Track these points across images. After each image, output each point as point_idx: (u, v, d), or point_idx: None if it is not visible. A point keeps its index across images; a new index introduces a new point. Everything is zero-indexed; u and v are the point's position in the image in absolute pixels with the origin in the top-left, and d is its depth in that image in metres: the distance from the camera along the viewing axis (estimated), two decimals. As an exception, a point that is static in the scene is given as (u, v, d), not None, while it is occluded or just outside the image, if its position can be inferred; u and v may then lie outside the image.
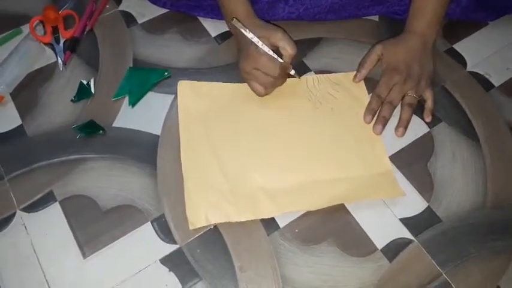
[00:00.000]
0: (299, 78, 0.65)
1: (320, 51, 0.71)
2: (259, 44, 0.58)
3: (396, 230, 0.56)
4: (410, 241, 0.55)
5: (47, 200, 0.58)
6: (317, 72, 0.68)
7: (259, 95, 0.62)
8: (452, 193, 0.58)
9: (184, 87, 0.66)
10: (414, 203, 0.57)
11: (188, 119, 0.63)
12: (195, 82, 0.66)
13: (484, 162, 0.61)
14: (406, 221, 0.56)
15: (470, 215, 0.57)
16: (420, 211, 0.57)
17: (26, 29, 0.73)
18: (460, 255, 0.54)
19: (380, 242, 0.55)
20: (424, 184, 0.59)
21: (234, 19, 0.59)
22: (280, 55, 0.59)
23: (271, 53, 0.58)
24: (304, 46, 0.71)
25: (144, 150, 0.61)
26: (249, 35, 0.58)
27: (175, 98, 0.66)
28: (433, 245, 0.55)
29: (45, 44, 0.71)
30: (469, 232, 0.56)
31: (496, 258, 0.54)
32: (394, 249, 0.54)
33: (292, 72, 0.63)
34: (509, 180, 0.59)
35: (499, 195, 0.58)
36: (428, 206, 0.57)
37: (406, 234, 0.55)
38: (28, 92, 0.67)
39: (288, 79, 0.66)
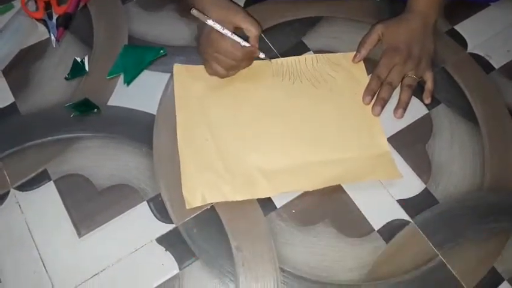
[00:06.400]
0: (270, 61, 0.63)
1: (319, 30, 0.70)
2: (222, 30, 0.57)
3: (393, 211, 0.55)
4: (407, 222, 0.55)
5: (41, 178, 0.57)
6: (316, 52, 0.67)
7: (221, 77, 0.61)
8: (449, 175, 0.58)
9: (180, 70, 0.65)
10: (412, 185, 0.57)
11: (184, 100, 0.62)
12: (190, 66, 0.65)
13: (483, 145, 0.60)
14: (403, 202, 0.56)
15: (467, 196, 0.57)
16: (417, 192, 0.57)
17: (17, 4, 0.71)
18: (456, 237, 0.54)
19: (377, 223, 0.55)
20: (422, 166, 0.58)
21: (193, 9, 0.57)
22: (244, 36, 0.58)
23: (234, 37, 0.57)
24: (304, 25, 0.70)
25: (140, 129, 0.61)
26: (211, 22, 0.57)
27: (172, 76, 0.64)
28: (430, 227, 0.55)
29: (38, 20, 0.70)
30: (466, 214, 0.56)
31: (492, 240, 0.54)
32: (390, 230, 0.54)
33: (262, 55, 0.61)
34: (507, 162, 0.59)
35: (497, 177, 0.58)
36: (426, 188, 0.57)
37: (403, 215, 0.55)
38: (20, 69, 0.66)
39: (287, 59, 0.66)
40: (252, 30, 0.57)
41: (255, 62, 0.63)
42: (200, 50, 0.60)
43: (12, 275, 0.52)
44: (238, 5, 0.60)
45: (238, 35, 0.58)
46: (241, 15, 0.57)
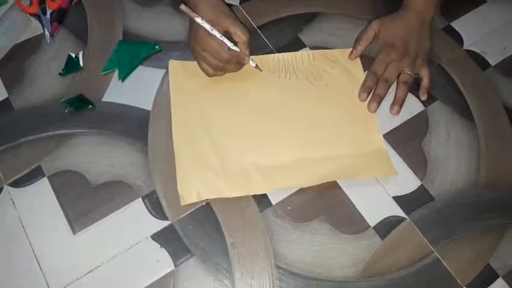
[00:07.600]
0: (261, 70, 0.63)
1: (316, 26, 0.69)
2: (210, 29, 0.56)
3: (389, 207, 0.55)
4: (402, 219, 0.55)
5: (35, 175, 0.57)
6: (312, 48, 0.67)
7: (208, 75, 0.61)
8: (445, 172, 0.58)
9: (175, 66, 0.64)
10: (407, 181, 0.57)
11: (180, 96, 0.62)
12: (186, 62, 0.65)
13: (478, 142, 0.60)
14: (399, 199, 0.56)
15: (462, 193, 0.57)
16: (413, 189, 0.57)
17: (11, -2, 0.70)
18: (452, 233, 0.54)
19: (372, 220, 0.55)
20: (418, 162, 0.58)
21: (182, 5, 0.57)
22: (233, 41, 0.58)
23: (223, 39, 0.57)
24: (300, 21, 0.70)
25: (135, 126, 0.60)
26: (199, 20, 0.56)
27: (167, 72, 0.64)
28: (425, 223, 0.55)
29: (32, 15, 0.69)
30: (461, 211, 0.56)
31: (487, 237, 0.54)
32: (386, 226, 0.54)
33: (253, 64, 0.61)
34: (502, 159, 0.59)
35: (492, 174, 0.58)
36: (422, 185, 0.57)
37: (399, 212, 0.55)
38: (14, 64, 0.65)
39: (283, 55, 0.65)
40: (240, 36, 0.57)
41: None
42: (189, 46, 0.60)
43: (6, 272, 0.51)
44: (231, 9, 0.60)
45: (227, 38, 0.57)
46: (231, 19, 0.57)
